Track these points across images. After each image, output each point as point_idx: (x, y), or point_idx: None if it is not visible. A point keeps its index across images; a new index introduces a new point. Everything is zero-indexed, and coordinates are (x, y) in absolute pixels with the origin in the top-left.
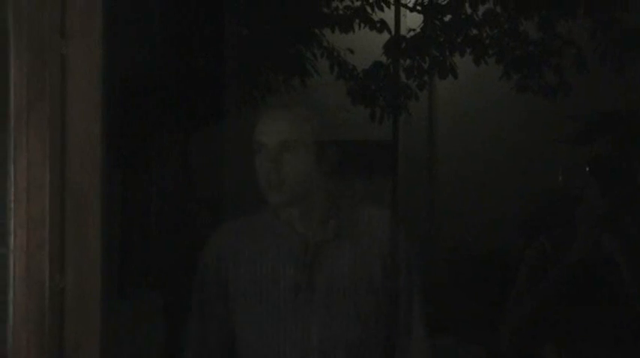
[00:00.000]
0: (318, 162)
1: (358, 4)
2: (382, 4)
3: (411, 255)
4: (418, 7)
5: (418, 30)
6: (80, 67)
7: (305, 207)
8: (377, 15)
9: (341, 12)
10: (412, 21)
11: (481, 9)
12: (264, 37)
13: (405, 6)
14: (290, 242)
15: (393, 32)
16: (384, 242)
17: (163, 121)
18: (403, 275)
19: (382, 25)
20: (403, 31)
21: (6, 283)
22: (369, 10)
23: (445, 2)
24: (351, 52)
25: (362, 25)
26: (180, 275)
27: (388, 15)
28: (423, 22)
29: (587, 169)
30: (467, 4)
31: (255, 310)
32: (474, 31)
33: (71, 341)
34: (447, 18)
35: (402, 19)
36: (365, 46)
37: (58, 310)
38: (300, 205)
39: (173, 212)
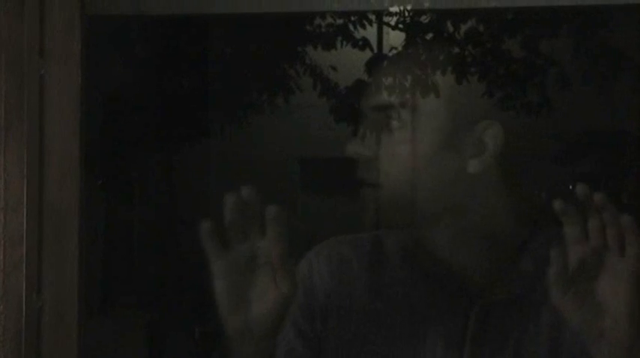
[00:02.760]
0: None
1: (341, 21)
2: (364, 22)
3: None
4: (400, 26)
5: (400, 48)
6: (59, 87)
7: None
8: (359, 33)
9: (323, 29)
10: (394, 39)
11: (463, 27)
12: (248, 55)
13: (387, 24)
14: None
15: (375, 50)
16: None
17: (146, 140)
18: None
19: (364, 43)
20: (385, 49)
21: None
22: (351, 27)
23: (427, 20)
24: (334, 69)
25: (344, 42)
26: (163, 295)
27: (371, 33)
28: (405, 40)
29: (571, 188)
30: (449, 23)
31: None
32: (456, 49)
33: None
34: (429, 36)
35: (385, 37)
36: (347, 63)
37: (35, 329)
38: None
39: (156, 231)
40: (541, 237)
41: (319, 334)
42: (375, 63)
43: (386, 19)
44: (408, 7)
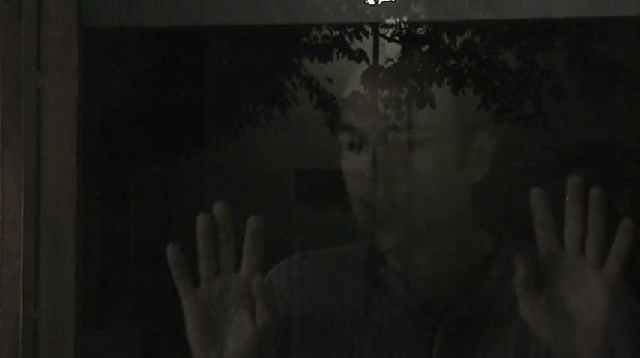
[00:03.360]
0: None
1: (337, 33)
2: (360, 33)
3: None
4: (396, 38)
5: (396, 60)
6: (56, 100)
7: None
8: (355, 45)
9: (320, 41)
10: (390, 51)
11: (459, 39)
12: (244, 67)
13: (384, 36)
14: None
15: (371, 62)
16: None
17: (142, 152)
18: None
19: (360, 55)
20: (381, 61)
21: None
22: (347, 39)
23: (423, 32)
24: (330, 81)
25: (340, 54)
26: (159, 306)
27: (367, 44)
28: (401, 52)
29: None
30: (445, 35)
31: None
32: (452, 61)
33: None
34: (425, 48)
35: (381, 49)
36: (343, 75)
37: (32, 341)
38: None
39: (152, 242)
40: (507, 251)
41: (280, 348)
42: (372, 75)
43: (382, 31)
44: (404, 19)
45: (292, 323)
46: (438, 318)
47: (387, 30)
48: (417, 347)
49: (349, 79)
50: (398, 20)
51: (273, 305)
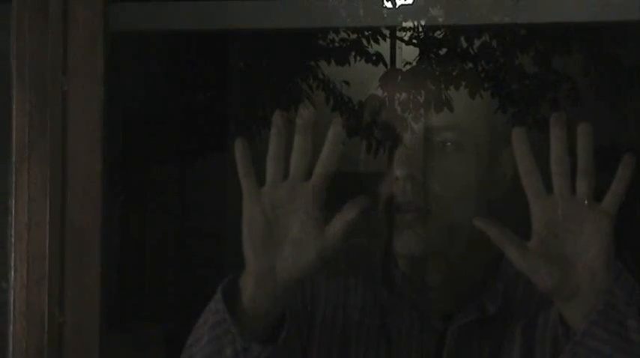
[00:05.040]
0: None
1: (354, 36)
2: (378, 37)
3: None
4: (414, 41)
5: (414, 63)
6: (81, 103)
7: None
8: (373, 48)
9: (337, 44)
10: (408, 54)
11: (477, 43)
12: (262, 70)
13: (401, 39)
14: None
15: (388, 65)
16: None
17: (162, 155)
18: None
19: (378, 58)
20: (399, 64)
21: (5, 318)
22: (364, 42)
23: (441, 36)
24: (347, 84)
25: (358, 57)
26: (180, 309)
27: (384, 48)
28: (419, 55)
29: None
30: (462, 38)
31: None
32: (470, 65)
33: None
34: (443, 51)
35: (398, 52)
36: (361, 78)
37: (57, 345)
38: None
39: (172, 245)
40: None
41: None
42: (390, 78)
43: (399, 34)
44: (422, 23)
45: (314, 321)
46: (447, 321)
47: (404, 33)
48: (426, 350)
49: (369, 82)
50: (415, 23)
51: (343, 224)
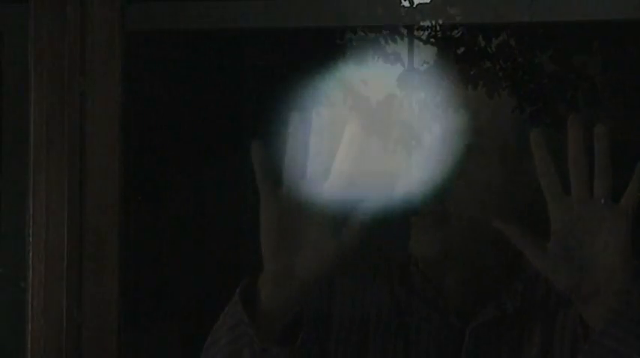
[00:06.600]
0: None
1: (372, 36)
2: (396, 36)
3: None
4: (432, 40)
5: (432, 63)
6: (99, 105)
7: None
8: (390, 47)
9: (354, 43)
10: (425, 53)
11: (495, 42)
12: (279, 69)
13: (419, 38)
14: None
15: (406, 65)
16: None
17: (178, 154)
18: None
19: (395, 58)
20: (417, 64)
21: (24, 317)
22: (382, 42)
23: (459, 35)
24: (365, 83)
25: (375, 57)
26: (198, 308)
27: (402, 47)
28: (437, 54)
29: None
30: (480, 37)
31: None
32: (488, 64)
33: None
34: (461, 51)
35: (416, 51)
36: (378, 77)
37: (76, 344)
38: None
39: (189, 245)
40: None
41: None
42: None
43: (417, 33)
44: (440, 22)
45: (332, 321)
46: (465, 321)
47: (422, 32)
48: (444, 350)
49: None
50: (433, 22)
51: (361, 224)
